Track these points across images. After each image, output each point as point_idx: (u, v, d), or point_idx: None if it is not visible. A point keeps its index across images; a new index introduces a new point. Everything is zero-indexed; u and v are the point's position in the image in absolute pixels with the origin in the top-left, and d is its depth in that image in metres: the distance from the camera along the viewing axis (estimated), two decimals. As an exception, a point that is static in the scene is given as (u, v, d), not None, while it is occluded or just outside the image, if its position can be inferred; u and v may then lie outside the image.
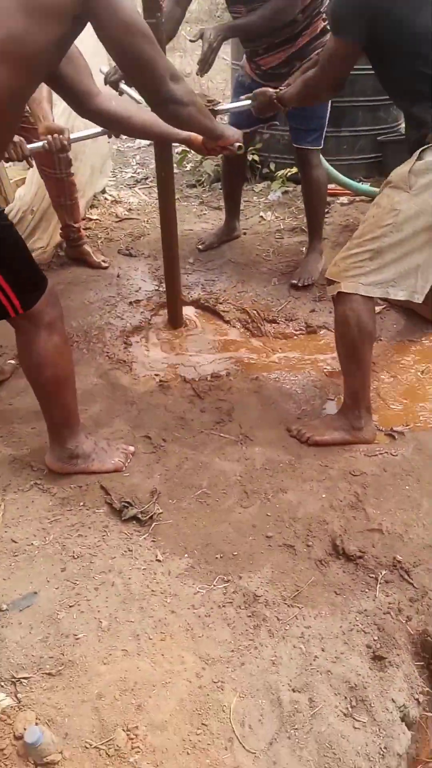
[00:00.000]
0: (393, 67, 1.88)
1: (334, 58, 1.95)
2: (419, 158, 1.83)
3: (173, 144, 2.49)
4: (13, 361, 2.40)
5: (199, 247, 3.29)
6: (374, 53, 1.89)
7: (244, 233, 3.47)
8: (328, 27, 2.03)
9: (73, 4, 1.41)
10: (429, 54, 1.77)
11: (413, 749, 1.46)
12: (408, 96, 1.89)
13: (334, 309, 2.01)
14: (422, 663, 1.58)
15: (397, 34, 1.79)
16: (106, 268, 3.10)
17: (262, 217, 3.66)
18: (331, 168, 3.45)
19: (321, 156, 3.05)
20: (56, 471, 1.94)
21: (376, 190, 3.64)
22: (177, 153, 4.04)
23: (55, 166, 2.79)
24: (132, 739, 1.27)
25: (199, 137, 2.00)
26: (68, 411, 1.89)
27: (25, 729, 1.22)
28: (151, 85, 1.56)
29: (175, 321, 2.78)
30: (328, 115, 2.87)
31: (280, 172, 3.94)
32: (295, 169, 3.90)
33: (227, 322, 2.85)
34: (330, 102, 2.83)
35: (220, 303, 2.92)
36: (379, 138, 4.02)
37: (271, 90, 2.33)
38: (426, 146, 1.83)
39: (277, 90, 2.31)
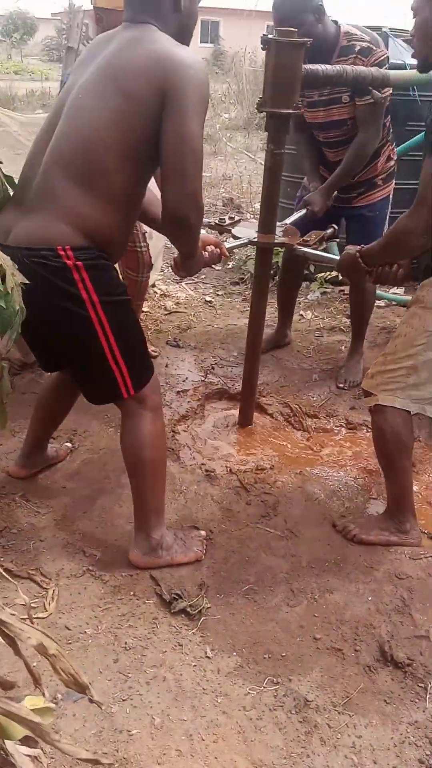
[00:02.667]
0: None
1: None
2: None
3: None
4: (69, 444, 2.49)
5: None
6: None
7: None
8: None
9: (154, 104, 1.57)
10: None
11: None
12: None
13: (372, 420, 2.09)
14: None
15: None
16: (155, 357, 3.25)
17: (302, 315, 3.83)
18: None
19: None
20: (143, 567, 1.95)
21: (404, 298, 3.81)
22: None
23: (139, 269, 2.99)
24: None
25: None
26: (159, 497, 1.96)
27: None
28: (174, 193, 1.62)
29: (246, 421, 2.82)
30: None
31: (319, 275, 4.14)
32: (333, 273, 4.10)
33: (270, 414, 2.93)
34: (388, 220, 2.96)
35: (264, 396, 3.01)
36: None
37: (351, 248, 2.13)
38: None
39: (360, 247, 2.10)
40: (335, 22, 2.73)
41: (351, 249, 2.11)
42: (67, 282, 1.65)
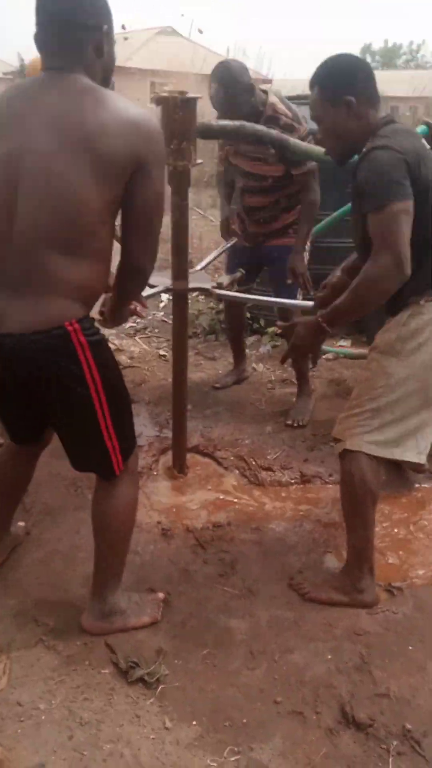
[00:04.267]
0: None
1: (396, 227, 1.78)
2: (404, 324, 1.97)
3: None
4: (22, 524, 2.40)
5: (216, 386, 3.58)
6: None
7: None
8: (373, 203, 1.81)
9: (130, 167, 1.56)
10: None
11: None
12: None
13: (340, 466, 2.12)
14: None
15: (421, 194, 1.84)
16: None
17: (254, 368, 3.89)
18: None
19: None
20: (97, 633, 1.90)
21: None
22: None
23: None
24: None
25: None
26: (121, 561, 1.92)
27: None
28: (140, 247, 1.69)
29: (180, 466, 2.87)
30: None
31: (270, 329, 4.24)
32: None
33: (226, 468, 2.94)
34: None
35: (219, 450, 3.02)
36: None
37: (303, 319, 2.11)
38: (410, 312, 1.96)
39: (318, 311, 2.07)
40: (264, 91, 3.00)
41: (303, 319, 2.10)
42: (75, 364, 1.61)
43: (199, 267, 3.03)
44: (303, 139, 2.89)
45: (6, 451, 2.11)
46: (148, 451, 3.00)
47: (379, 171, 1.82)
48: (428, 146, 2.29)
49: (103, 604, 1.91)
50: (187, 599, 2.10)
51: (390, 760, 1.62)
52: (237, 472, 2.94)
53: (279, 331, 4.12)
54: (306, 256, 3.17)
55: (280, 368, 3.95)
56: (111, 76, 1.73)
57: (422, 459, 2.07)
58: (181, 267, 2.57)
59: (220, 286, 2.69)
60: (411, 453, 2.04)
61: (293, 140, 2.78)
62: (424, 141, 2.01)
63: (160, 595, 2.07)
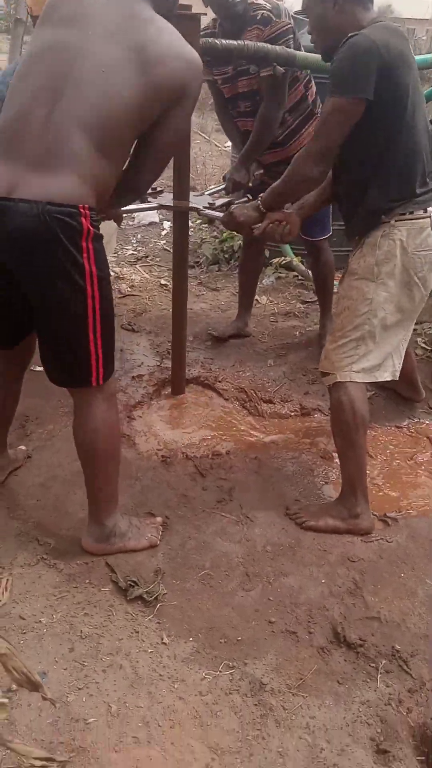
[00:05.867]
0: (373, 136, 1.93)
1: (332, 122, 1.89)
2: (379, 246, 2.01)
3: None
4: (23, 447, 2.41)
5: (213, 333, 3.38)
6: (364, 118, 1.90)
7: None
8: (330, 88, 1.89)
9: (173, 97, 1.72)
10: (416, 132, 1.94)
11: None
12: (374, 175, 1.99)
13: (330, 397, 2.14)
14: (422, 757, 1.59)
15: (396, 99, 1.88)
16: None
17: (257, 300, 3.83)
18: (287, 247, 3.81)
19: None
20: (95, 553, 1.95)
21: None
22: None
23: None
24: None
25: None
26: (113, 484, 1.93)
27: None
28: (149, 173, 1.89)
29: (178, 389, 2.88)
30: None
31: (274, 260, 4.15)
32: (288, 258, 4.12)
33: (226, 400, 2.94)
34: None
35: (219, 381, 3.01)
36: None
37: (246, 203, 2.29)
38: (381, 232, 2.00)
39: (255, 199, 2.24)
40: None
41: (244, 206, 2.27)
42: (77, 248, 1.63)
43: (206, 193, 2.95)
44: (282, 36, 2.69)
45: None
46: (149, 381, 2.99)
47: (347, 57, 1.85)
48: None
49: (101, 527, 1.94)
50: (185, 523, 2.14)
51: (378, 677, 1.69)
52: (237, 403, 2.94)
53: (285, 261, 4.09)
54: (254, 171, 3.04)
55: (283, 301, 3.90)
56: (173, 11, 1.88)
57: (396, 376, 2.14)
58: (181, 188, 2.54)
59: (211, 206, 2.60)
60: (388, 373, 2.11)
61: (300, 54, 2.63)
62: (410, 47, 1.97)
63: (159, 519, 2.11)
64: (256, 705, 1.57)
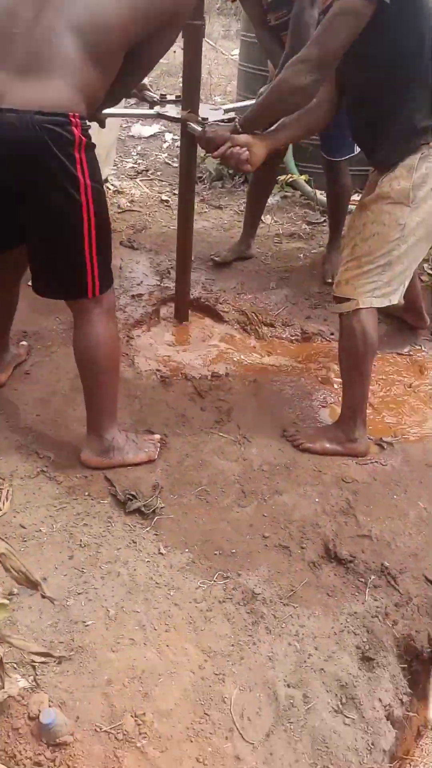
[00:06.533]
0: (403, 43, 1.79)
1: (337, 25, 1.72)
2: (416, 169, 1.89)
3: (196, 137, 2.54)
4: (25, 343, 2.41)
5: (216, 259, 3.29)
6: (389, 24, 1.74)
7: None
8: None
9: (165, 19, 1.68)
10: None
11: (395, 746, 1.56)
12: (407, 91, 1.86)
13: (341, 322, 2.09)
14: (405, 665, 1.68)
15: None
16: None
17: (261, 220, 3.71)
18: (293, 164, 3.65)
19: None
20: (93, 466, 1.97)
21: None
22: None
23: None
24: (140, 725, 1.33)
25: None
26: (112, 399, 1.94)
27: (39, 710, 1.27)
28: (132, 85, 1.92)
29: (182, 315, 2.84)
30: None
31: (281, 177, 3.99)
32: (294, 176, 3.97)
33: (227, 322, 2.90)
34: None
35: (220, 303, 2.97)
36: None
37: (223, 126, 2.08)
38: (420, 155, 1.89)
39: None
40: None
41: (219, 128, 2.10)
42: (70, 159, 1.57)
43: (224, 107, 2.76)
44: None
45: None
46: (149, 301, 2.94)
47: None
48: None
49: (100, 440, 1.96)
50: (183, 442, 2.17)
51: (366, 591, 1.76)
52: (238, 326, 2.91)
53: (291, 179, 3.94)
54: None
55: (288, 221, 3.79)
56: None
57: (400, 300, 2.12)
58: (191, 98, 2.39)
59: (204, 120, 2.39)
60: (399, 295, 2.08)
61: None
62: None
63: (158, 436, 2.13)
64: (248, 613, 1.63)
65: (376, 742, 1.44)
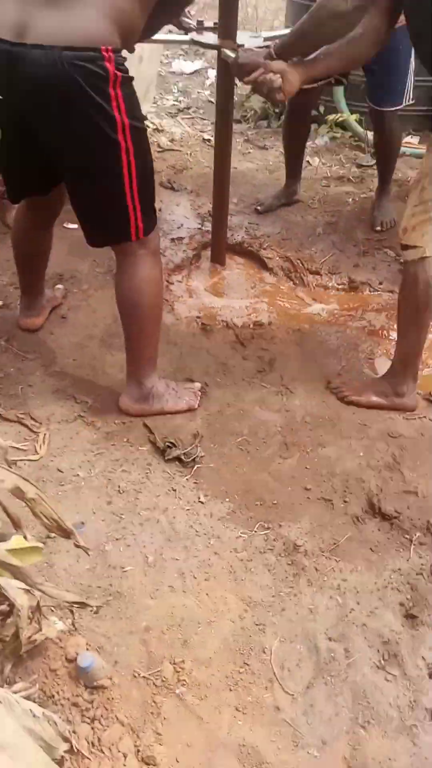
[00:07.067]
0: None
1: None
2: None
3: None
4: (61, 286, 2.36)
5: (258, 208, 3.13)
6: None
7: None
8: None
9: None
10: None
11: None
12: None
13: (404, 270, 1.97)
14: (449, 624, 1.62)
15: None
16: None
17: (308, 161, 3.53)
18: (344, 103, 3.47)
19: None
20: (134, 414, 1.93)
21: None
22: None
23: None
24: (178, 672, 1.32)
25: None
26: (154, 345, 1.88)
27: (77, 653, 1.26)
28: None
29: (219, 258, 2.74)
30: (412, 67, 2.70)
31: (330, 117, 3.78)
32: (345, 115, 3.75)
33: (270, 269, 2.79)
34: (413, 54, 2.64)
35: (264, 249, 2.85)
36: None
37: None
38: None
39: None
40: None
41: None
42: (104, 97, 1.47)
43: (264, 35, 2.56)
44: None
45: (20, 218, 2.01)
46: (189, 245, 2.84)
47: None
48: None
49: (140, 387, 1.91)
50: (224, 391, 2.10)
51: (411, 548, 1.69)
52: (282, 273, 2.80)
53: (341, 119, 3.72)
54: None
55: (337, 164, 3.60)
56: None
57: None
58: (227, 24, 2.23)
59: (240, 47, 2.21)
60: None
61: None
62: None
63: (198, 384, 2.07)
64: (289, 564, 1.59)
65: (418, 700, 1.40)
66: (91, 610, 1.34)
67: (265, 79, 1.81)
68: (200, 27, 2.41)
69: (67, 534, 1.08)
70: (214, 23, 2.38)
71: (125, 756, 1.17)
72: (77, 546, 1.14)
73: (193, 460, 1.83)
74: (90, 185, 1.63)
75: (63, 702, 1.22)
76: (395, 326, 2.17)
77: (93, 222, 1.72)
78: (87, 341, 2.24)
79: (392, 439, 2.00)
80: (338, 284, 2.76)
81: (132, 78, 1.53)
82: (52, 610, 1.37)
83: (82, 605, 1.07)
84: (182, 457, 1.82)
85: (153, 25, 1.74)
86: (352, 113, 3.76)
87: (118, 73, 1.46)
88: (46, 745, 0.97)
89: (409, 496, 1.83)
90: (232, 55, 2.03)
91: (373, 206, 3.11)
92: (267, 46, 2.31)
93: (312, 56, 1.87)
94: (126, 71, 1.50)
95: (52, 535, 1.53)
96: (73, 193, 1.69)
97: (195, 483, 1.77)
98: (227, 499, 1.74)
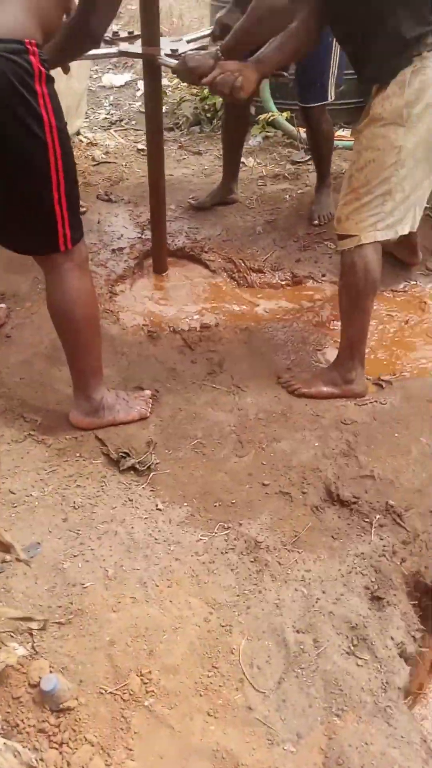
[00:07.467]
0: None
1: None
2: (409, 84, 1.74)
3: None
4: (3, 305, 2.32)
5: (191, 201, 3.15)
6: None
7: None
8: None
9: None
10: None
11: (409, 682, 1.53)
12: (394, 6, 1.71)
13: (342, 258, 1.99)
14: (415, 602, 1.64)
15: None
16: (84, 213, 2.99)
17: (243, 162, 3.56)
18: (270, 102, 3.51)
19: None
20: (85, 428, 1.90)
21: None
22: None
23: None
24: (146, 683, 1.30)
25: None
26: (96, 357, 1.84)
27: (40, 678, 1.23)
28: (106, 22, 1.71)
29: (160, 266, 2.73)
30: (334, 64, 2.75)
31: (260, 117, 3.82)
32: (275, 114, 3.80)
33: (213, 271, 2.80)
34: (333, 48, 2.68)
35: (206, 252, 2.86)
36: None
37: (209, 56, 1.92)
38: (412, 68, 1.73)
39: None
40: None
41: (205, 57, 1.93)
42: (31, 93, 1.44)
43: (186, 38, 2.57)
44: None
45: None
46: (130, 254, 2.83)
47: None
48: None
49: (89, 401, 1.88)
50: (175, 396, 2.09)
51: (372, 530, 1.71)
52: (225, 274, 2.81)
53: (272, 118, 3.77)
54: None
55: (271, 162, 3.64)
56: None
57: (415, 228, 1.97)
58: (150, 32, 2.25)
59: (174, 53, 2.26)
60: (408, 226, 1.95)
61: None
62: None
63: (148, 392, 2.05)
64: (252, 562, 1.59)
65: (390, 681, 1.40)
66: (39, 626, 1.30)
67: (225, 79, 1.83)
68: (116, 38, 2.41)
69: (6, 548, 1.05)
70: (129, 32, 2.39)
71: (96, 776, 1.14)
72: (18, 560, 1.10)
73: (149, 467, 1.81)
74: (16, 191, 1.58)
75: (29, 730, 1.19)
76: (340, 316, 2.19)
77: (19, 231, 1.67)
78: (33, 358, 2.20)
79: (345, 426, 2.02)
80: (282, 280, 2.78)
81: (53, 78, 1.51)
82: (12, 636, 1.33)
83: (28, 620, 1.04)
84: (137, 465, 1.80)
85: (69, 53, 1.77)
86: (282, 111, 3.81)
87: (42, 70, 1.44)
88: (7, 774, 0.94)
89: (366, 480, 1.84)
90: (172, 62, 2.03)
91: (312, 201, 3.15)
92: (203, 47, 2.34)
93: (259, 54, 1.91)
94: (48, 68, 1.48)
95: (8, 558, 1.51)
96: None
97: (152, 491, 1.75)
98: (185, 504, 1.72)
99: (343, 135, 3.84)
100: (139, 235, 2.94)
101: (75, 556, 1.54)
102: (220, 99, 3.71)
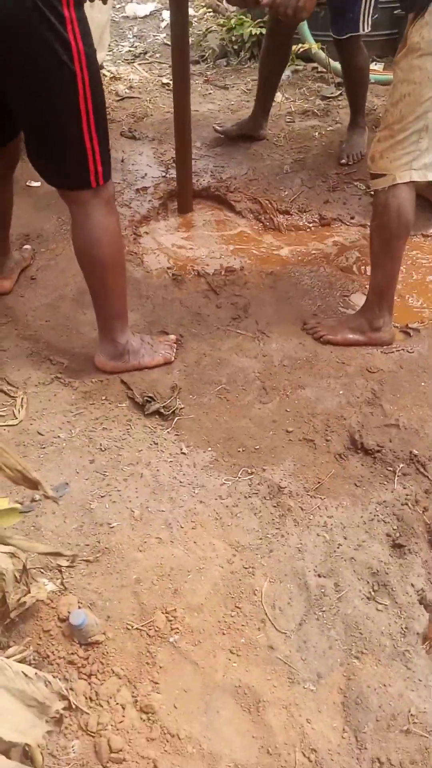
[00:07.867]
0: None
1: None
2: None
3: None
4: (28, 246, 2.30)
5: (216, 126, 3.04)
6: None
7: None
8: None
9: None
10: None
11: (427, 628, 1.56)
12: None
13: (375, 198, 1.92)
14: (437, 550, 1.65)
15: None
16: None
17: (272, 97, 3.41)
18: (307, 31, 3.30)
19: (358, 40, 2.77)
20: (109, 371, 1.90)
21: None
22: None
23: None
24: (171, 620, 1.33)
25: None
26: (121, 299, 1.82)
27: (69, 612, 1.27)
28: None
29: (185, 206, 2.67)
30: None
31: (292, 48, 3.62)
32: (306, 45, 3.61)
33: (239, 213, 2.73)
34: None
35: (231, 192, 2.78)
36: (395, 12, 3.68)
37: None
38: None
39: None
40: None
41: None
42: (58, 17, 1.38)
43: None
44: None
45: None
46: (154, 194, 2.76)
47: None
48: None
49: (114, 344, 1.88)
50: (200, 341, 2.08)
51: (395, 479, 1.71)
52: (251, 216, 2.74)
53: (302, 50, 3.58)
54: None
55: (300, 98, 3.48)
56: None
57: None
58: None
59: None
60: None
61: None
62: None
63: (173, 336, 2.04)
64: (274, 506, 1.60)
65: (409, 626, 1.43)
66: (68, 562, 1.34)
67: None
68: None
69: (34, 485, 1.06)
70: None
71: (123, 707, 1.19)
72: (46, 497, 1.12)
73: (173, 412, 1.81)
74: (46, 123, 1.53)
75: (59, 661, 1.24)
76: (369, 260, 2.14)
77: (52, 165, 1.63)
78: (59, 302, 2.19)
79: (371, 375, 2.00)
80: (309, 222, 2.70)
81: (83, 1, 1.44)
82: (42, 572, 1.37)
83: (57, 555, 1.06)
84: (162, 410, 1.81)
85: None
86: (315, 41, 3.62)
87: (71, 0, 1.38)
88: (39, 704, 0.98)
89: (391, 429, 1.83)
90: None
91: (343, 139, 3.02)
92: None
93: None
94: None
95: (38, 498, 1.54)
96: (30, 136, 1.60)
97: (176, 435, 1.76)
98: (209, 448, 1.74)
99: (375, 69, 3.65)
100: (164, 174, 2.86)
101: (102, 496, 1.57)
102: (249, 29, 3.53)
